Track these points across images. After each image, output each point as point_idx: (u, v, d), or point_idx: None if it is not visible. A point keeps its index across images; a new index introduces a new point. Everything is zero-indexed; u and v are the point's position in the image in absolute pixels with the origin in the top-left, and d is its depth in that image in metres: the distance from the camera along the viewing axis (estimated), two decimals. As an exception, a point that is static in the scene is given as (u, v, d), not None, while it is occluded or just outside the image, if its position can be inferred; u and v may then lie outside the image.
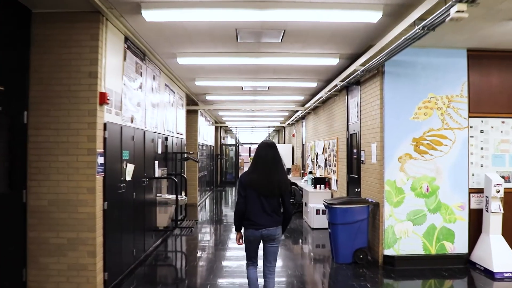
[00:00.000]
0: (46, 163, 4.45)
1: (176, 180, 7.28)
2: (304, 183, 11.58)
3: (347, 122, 8.03)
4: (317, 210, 8.82)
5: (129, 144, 5.59)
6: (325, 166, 10.06)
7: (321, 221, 8.76)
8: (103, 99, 4.53)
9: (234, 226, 4.15)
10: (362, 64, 6.07)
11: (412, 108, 6.03)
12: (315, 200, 9.25)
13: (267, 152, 3.91)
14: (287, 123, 17.70)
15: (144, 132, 6.32)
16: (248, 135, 30.38)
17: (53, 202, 4.44)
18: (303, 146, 14.71)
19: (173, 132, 8.72)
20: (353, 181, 7.56)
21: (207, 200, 14.67)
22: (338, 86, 7.58)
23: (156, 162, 7.09)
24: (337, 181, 8.84)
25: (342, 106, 8.38)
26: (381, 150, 6.03)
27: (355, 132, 7.47)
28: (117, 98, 5.15)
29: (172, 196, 7.36)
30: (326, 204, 6.26)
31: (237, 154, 22.60)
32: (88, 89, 4.47)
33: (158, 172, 7.17)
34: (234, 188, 19.79)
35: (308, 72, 7.80)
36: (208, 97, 10.74)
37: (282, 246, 7.36)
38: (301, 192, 10.54)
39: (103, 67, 4.63)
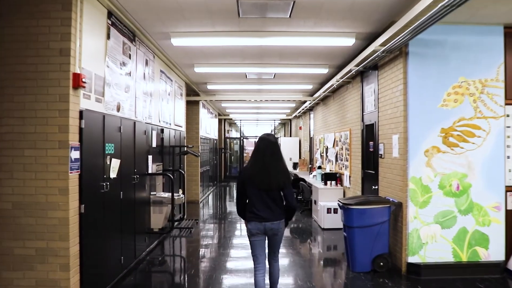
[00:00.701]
0: (9, 158, 3.73)
1: (172, 177, 6.54)
2: (313, 179, 10.82)
3: (362, 112, 7.25)
4: (328, 209, 8.07)
5: (115, 136, 4.86)
6: (336, 160, 9.29)
7: (333, 221, 8.02)
8: (77, 81, 3.79)
9: (238, 222, 4.29)
10: (383, 44, 5.28)
11: (440, 94, 5.23)
12: (325, 198, 8.49)
13: (266, 145, 3.84)
14: (293, 115, 16.91)
15: (134, 122, 5.58)
16: (253, 129, 29.65)
17: (18, 205, 3.72)
18: (311, 139, 13.93)
19: (170, 124, 7.98)
20: (369, 178, 6.79)
21: (210, 196, 13.97)
22: (353, 71, 6.79)
23: (150, 157, 6.36)
24: (350, 177, 8.08)
25: (356, 94, 7.60)
26: (404, 143, 5.25)
27: (371, 123, 6.69)
28: (99, 82, 4.41)
29: (168, 195, 6.63)
30: (341, 204, 5.50)
31: (241, 147, 21.85)
32: (58, 70, 3.73)
33: (152, 168, 6.44)
34: (238, 183, 19.04)
35: (318, 56, 7.01)
36: (209, 87, 9.98)
37: (290, 249, 6.62)
38: (309, 188, 9.79)
39: (78, 44, 3.88)
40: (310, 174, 12.13)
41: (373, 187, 6.43)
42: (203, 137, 12.90)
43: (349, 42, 5.84)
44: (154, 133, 6.69)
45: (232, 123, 24.66)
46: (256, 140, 3.96)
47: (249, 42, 5.92)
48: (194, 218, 9.06)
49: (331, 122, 10.03)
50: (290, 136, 20.48)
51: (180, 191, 6.86)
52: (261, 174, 3.76)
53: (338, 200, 5.64)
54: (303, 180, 10.60)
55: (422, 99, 5.22)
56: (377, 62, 6.17)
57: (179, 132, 8.79)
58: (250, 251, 3.97)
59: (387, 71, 5.83)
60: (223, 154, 19.75)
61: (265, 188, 3.76)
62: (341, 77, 7.66)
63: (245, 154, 23.10)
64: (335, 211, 8.08)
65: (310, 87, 10.07)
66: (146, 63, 6.24)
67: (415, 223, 5.19)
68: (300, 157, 16.50)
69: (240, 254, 6.38)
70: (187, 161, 11.15)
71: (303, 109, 13.76)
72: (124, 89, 5.21)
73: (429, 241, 5.17)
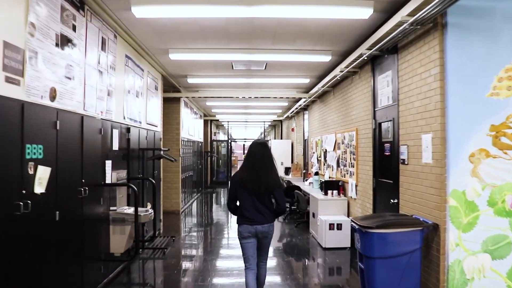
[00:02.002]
0: None
1: (136, 188, 5.12)
2: (309, 187, 9.50)
3: (373, 108, 5.95)
4: (330, 225, 6.74)
5: (46, 135, 3.46)
6: (338, 166, 7.98)
7: (337, 239, 6.71)
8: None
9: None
10: (411, 14, 3.99)
11: (488, 80, 3.93)
12: (326, 210, 7.17)
13: (258, 151, 3.97)
14: (285, 116, 15.59)
15: (82, 117, 4.19)
16: (242, 132, 28.33)
17: None
18: (305, 141, 12.62)
19: (141, 123, 6.59)
20: (385, 188, 5.48)
21: (194, 205, 12.55)
22: (364, 56, 5.49)
23: (108, 163, 4.96)
24: (356, 186, 6.76)
25: (365, 86, 6.30)
26: (441, 144, 3.95)
27: (387, 120, 5.40)
28: (14, 56, 3.02)
29: (130, 210, 5.26)
30: (356, 226, 4.16)
31: (229, 151, 20.47)
32: None
33: (111, 176, 5.05)
34: (226, 188, 17.64)
35: (321, 37, 5.70)
36: (190, 80, 8.59)
37: (283, 275, 5.26)
38: (306, 198, 8.46)
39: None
40: (305, 180, 10.81)
41: (391, 200, 5.11)
42: (185, 139, 11.51)
43: (364, 14, 4.53)
44: (116, 132, 5.30)
45: (219, 125, 23.26)
46: (249, 145, 4.09)
47: (236, 13, 4.55)
48: (170, 235, 7.64)
49: (331, 122, 8.72)
50: (281, 138, 19.16)
51: (149, 205, 5.49)
52: (253, 179, 3.88)
53: (352, 221, 4.29)
54: (298, 188, 9.26)
55: (465, 87, 3.92)
56: (397, 43, 4.89)
57: (153, 133, 7.39)
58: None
59: (412, 51, 4.54)
60: (209, 158, 18.34)
61: (256, 192, 3.88)
62: (347, 66, 6.35)
63: (233, 158, 21.74)
64: (339, 227, 6.75)
65: (306, 81, 8.75)
66: (104, 43, 4.86)
67: (457, 252, 3.88)
68: (292, 162, 15.18)
69: (225, 282, 5.02)
70: (165, 166, 9.74)
71: (296, 108, 12.45)
72: (64, 71, 3.82)
73: (476, 276, 3.86)
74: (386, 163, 5.48)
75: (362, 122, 6.47)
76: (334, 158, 8.20)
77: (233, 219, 5.39)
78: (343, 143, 7.60)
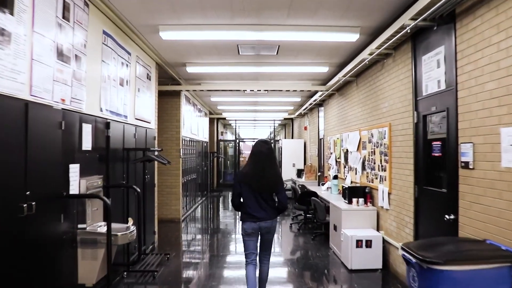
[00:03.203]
0: None
1: (106, 200, 3.90)
2: (326, 192, 8.27)
3: (414, 97, 4.72)
4: (358, 241, 5.51)
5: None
6: (364, 168, 6.74)
7: (365, 259, 5.49)
8: None
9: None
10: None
11: None
12: (351, 223, 5.95)
13: (261, 150, 4.09)
14: (297, 113, 14.35)
15: (27, 105, 3.03)
16: (251, 131, 27.14)
17: None
18: (320, 140, 11.38)
19: (126, 117, 5.43)
20: (433, 199, 4.25)
21: (198, 211, 11.37)
22: (407, 28, 4.24)
23: (74, 167, 3.80)
24: (389, 194, 5.52)
25: (403, 70, 5.06)
26: (539, 141, 2.72)
27: (437, 111, 4.17)
28: None
29: (114, 226, 4.10)
30: (413, 259, 2.90)
31: (237, 151, 19.27)
32: None
33: (79, 184, 3.88)
34: (233, 192, 16.45)
35: (349, 4, 4.49)
36: (190, 69, 7.41)
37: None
38: (324, 205, 7.23)
39: None
40: (322, 185, 9.57)
41: (446, 216, 3.86)
42: (188, 139, 10.34)
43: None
44: (88, 128, 4.14)
45: (226, 124, 22.10)
46: (253, 145, 4.25)
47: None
48: (165, 251, 6.47)
49: (353, 117, 7.48)
50: (292, 138, 17.94)
51: (130, 221, 4.30)
52: (256, 177, 4.01)
53: (405, 249, 3.02)
54: (315, 194, 8.04)
55: None
56: (456, 7, 3.66)
57: (143, 130, 6.23)
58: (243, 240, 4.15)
59: (483, 14, 3.30)
60: (215, 159, 17.17)
61: (259, 189, 4.01)
62: (380, 46, 5.13)
63: (241, 159, 20.55)
64: (368, 244, 5.52)
65: (324, 70, 7.51)
66: (67, 9, 3.69)
67: None
68: (305, 163, 13.94)
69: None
70: (163, 169, 8.62)
71: (310, 104, 11.22)
72: (-8, 36, 2.66)
73: None
74: (435, 167, 4.25)
75: (397, 115, 5.24)
76: (358, 159, 6.96)
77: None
78: (370, 141, 6.36)
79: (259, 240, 4.17)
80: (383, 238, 5.61)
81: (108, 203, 3.68)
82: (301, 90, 8.91)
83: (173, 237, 7.73)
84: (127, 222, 4.35)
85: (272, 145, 18.87)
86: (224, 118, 17.57)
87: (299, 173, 12.97)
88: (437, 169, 4.22)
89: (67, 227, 3.71)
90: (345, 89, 8.11)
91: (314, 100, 10.39)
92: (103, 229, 4.04)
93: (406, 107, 4.96)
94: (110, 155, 4.75)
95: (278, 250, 7.02)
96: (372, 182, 6.26)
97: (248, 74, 8.11)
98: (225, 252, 6.75)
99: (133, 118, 5.75)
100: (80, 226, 3.92)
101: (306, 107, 12.00)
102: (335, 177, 8.22)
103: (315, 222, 8.33)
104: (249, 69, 7.45)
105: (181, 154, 9.33)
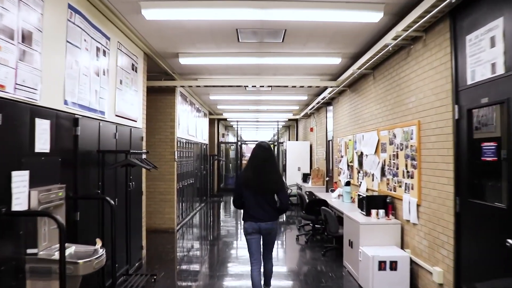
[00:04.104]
0: None
1: (57, 218, 2.94)
2: (337, 200, 7.36)
3: (455, 87, 3.81)
4: (381, 263, 4.59)
5: None
6: (383, 174, 5.82)
7: (389, 283, 4.57)
8: None
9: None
10: None
11: None
12: (371, 239, 5.03)
13: (261, 153, 4.15)
14: (302, 113, 13.44)
15: None
16: (253, 134, 26.26)
17: None
18: (328, 142, 10.46)
19: (103, 113, 4.53)
20: (484, 216, 3.32)
21: (196, 218, 10.44)
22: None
23: (21, 175, 2.90)
24: (418, 206, 4.60)
25: (438, 56, 4.14)
26: None
27: (488, 104, 3.25)
28: None
29: (75, 249, 3.21)
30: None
31: (239, 154, 18.35)
32: None
33: (28, 197, 2.98)
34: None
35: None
36: (183, 60, 6.50)
37: None
38: (335, 215, 6.31)
39: None
40: (331, 191, 8.66)
41: (508, 242, 2.93)
42: (184, 140, 9.45)
43: None
44: (44, 124, 3.25)
45: (228, 126, 21.22)
46: (253, 148, 4.26)
47: None
48: (152, 271, 5.57)
49: (369, 116, 6.57)
50: (297, 139, 17.02)
51: (98, 243, 3.40)
52: (257, 179, 4.07)
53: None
54: (325, 203, 7.12)
55: None
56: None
57: (127, 130, 5.34)
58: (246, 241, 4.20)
59: None
60: (216, 162, 16.25)
61: (260, 191, 4.07)
62: (407, 28, 4.23)
63: (243, 162, 19.63)
64: (393, 266, 4.60)
65: (336, 62, 6.59)
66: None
67: None
68: (311, 167, 13.02)
69: None
70: (155, 174, 7.73)
71: (317, 103, 10.31)
72: None
73: None
74: (487, 175, 3.33)
75: (429, 111, 4.33)
76: (376, 164, 6.04)
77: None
78: (391, 143, 5.45)
79: (261, 241, 4.23)
80: (410, 258, 4.69)
81: (61, 222, 2.77)
82: (308, 86, 8.00)
83: (164, 251, 6.81)
84: (96, 246, 3.44)
85: (276, 147, 18.03)
86: (225, 119, 16.67)
87: (305, 177, 12.04)
88: (490, 178, 3.31)
89: (10, 253, 2.81)
90: (358, 85, 7.20)
91: (323, 98, 9.48)
92: (54, 256, 3.14)
93: (442, 100, 4.04)
94: (79, 159, 3.86)
95: (284, 266, 6.10)
96: (395, 191, 5.33)
97: (250, 67, 7.21)
98: (224, 270, 5.83)
99: (113, 115, 4.86)
100: (30, 251, 3.01)
101: (313, 106, 11.09)
102: (348, 183, 7.30)
103: (325, 235, 7.41)
104: (250, 60, 6.53)
105: (176, 157, 8.44)
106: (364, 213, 5.52)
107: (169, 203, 8.41)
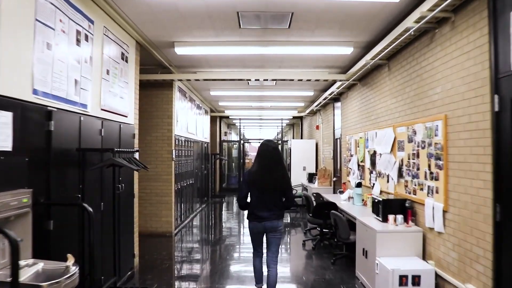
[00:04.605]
0: None
1: (12, 237, 2.34)
2: (347, 203, 6.80)
3: (494, 74, 3.22)
4: (402, 278, 4.01)
5: None
6: (400, 175, 5.24)
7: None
8: None
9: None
10: None
11: None
12: (389, 249, 4.45)
13: (268, 151, 4.14)
14: (308, 111, 12.87)
15: None
16: (257, 132, 25.70)
17: None
18: (336, 141, 9.88)
19: (85, 106, 3.98)
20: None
21: (196, 221, 9.88)
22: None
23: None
24: (445, 212, 4.02)
25: (470, 39, 3.56)
26: None
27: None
28: None
29: (35, 270, 2.65)
30: None
31: (242, 153, 17.79)
32: None
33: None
34: (237, 197, 14.93)
35: None
36: (179, 50, 5.93)
37: None
38: (345, 219, 5.74)
39: None
40: (339, 193, 8.09)
41: None
42: (183, 138, 8.90)
43: None
44: (3, 117, 2.70)
45: (230, 124, 20.66)
46: (259, 146, 4.24)
47: None
48: (145, 284, 5.02)
49: (384, 111, 6.00)
50: (301, 138, 16.44)
51: (70, 260, 2.84)
52: (263, 177, 4.06)
53: None
54: (334, 206, 6.56)
55: None
56: None
57: (116, 126, 4.80)
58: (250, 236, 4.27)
59: None
60: (217, 161, 15.70)
61: (268, 189, 4.06)
62: (439, 3, 3.65)
63: (247, 161, 19.08)
64: (416, 281, 4.02)
65: (348, 51, 6.00)
66: None
67: None
68: (317, 166, 12.45)
69: None
70: (152, 174, 7.23)
71: (325, 98, 9.73)
72: None
73: None
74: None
75: (459, 103, 3.75)
76: (393, 164, 5.46)
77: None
78: (411, 141, 4.87)
79: (265, 240, 4.25)
80: (435, 272, 4.11)
81: (13, 237, 2.20)
82: (316, 80, 7.41)
83: (159, 259, 6.26)
84: (68, 262, 2.88)
85: (280, 146, 17.47)
86: (227, 117, 16.10)
87: (311, 177, 11.48)
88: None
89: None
90: (370, 78, 6.62)
91: (330, 94, 8.91)
92: (27, 273, 2.60)
93: (476, 90, 3.47)
94: (53, 158, 3.31)
95: (289, 276, 5.54)
96: (415, 194, 4.75)
97: (253, 58, 6.64)
98: (226, 279, 5.27)
99: (98, 108, 4.31)
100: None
101: (320, 103, 10.50)
102: (359, 185, 6.73)
103: (335, 241, 6.84)
104: (253, 50, 5.96)
105: (173, 156, 7.89)
106: (380, 218, 4.95)
107: (166, 205, 7.86)
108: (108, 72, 4.56)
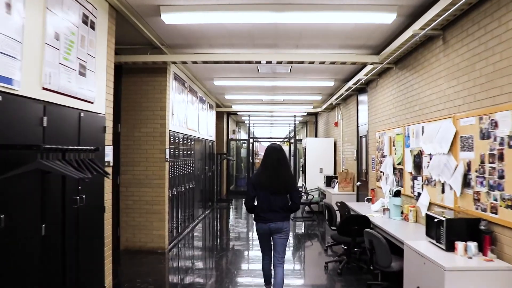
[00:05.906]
0: None
1: None
2: (380, 217, 5.38)
3: None
4: None
5: None
6: (466, 185, 3.79)
7: None
8: None
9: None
10: None
11: None
12: (464, 296, 3.02)
13: (274, 154, 4.22)
14: (325, 105, 11.42)
15: None
16: (267, 131, 24.30)
17: None
18: (360, 139, 8.44)
19: (10, 81, 2.62)
20: None
21: (196, 231, 8.49)
22: None
23: None
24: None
25: None
26: None
27: None
28: None
29: None
30: None
31: (251, 152, 16.40)
32: None
33: None
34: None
35: None
36: (167, 17, 4.54)
37: None
38: (383, 239, 4.31)
39: None
40: (366, 201, 6.68)
41: None
42: (181, 135, 7.54)
43: None
44: None
45: (239, 122, 19.28)
46: (265, 149, 4.31)
47: None
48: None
49: (435, 98, 4.56)
50: (316, 136, 15.00)
51: None
52: (270, 179, 4.12)
53: None
54: (366, 221, 5.15)
55: None
56: None
57: (75, 115, 3.45)
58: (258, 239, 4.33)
59: None
60: (224, 161, 14.33)
61: (275, 192, 4.11)
62: None
63: (256, 161, 17.71)
64: None
65: (389, 19, 4.57)
66: None
67: None
68: (336, 168, 11.01)
69: None
70: (141, 178, 5.89)
71: (348, 89, 8.29)
72: None
73: None
74: None
75: None
76: (452, 168, 4.02)
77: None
78: (487, 136, 3.43)
79: (272, 241, 4.25)
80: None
81: None
82: (342, 63, 5.96)
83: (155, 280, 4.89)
84: None
85: (292, 145, 16.11)
86: (236, 113, 14.72)
87: (329, 181, 10.05)
88: None
89: None
90: (413, 57, 5.19)
91: (356, 82, 7.48)
92: None
93: None
94: None
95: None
96: (494, 213, 3.32)
97: (264, 31, 5.25)
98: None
99: (39, 87, 2.96)
100: None
101: (341, 95, 9.05)
102: (397, 194, 5.30)
103: (364, 263, 5.42)
104: (264, 17, 4.54)
105: (167, 156, 6.53)
106: (442, 246, 3.52)
107: (158, 216, 6.50)
108: (57, 37, 3.20)
